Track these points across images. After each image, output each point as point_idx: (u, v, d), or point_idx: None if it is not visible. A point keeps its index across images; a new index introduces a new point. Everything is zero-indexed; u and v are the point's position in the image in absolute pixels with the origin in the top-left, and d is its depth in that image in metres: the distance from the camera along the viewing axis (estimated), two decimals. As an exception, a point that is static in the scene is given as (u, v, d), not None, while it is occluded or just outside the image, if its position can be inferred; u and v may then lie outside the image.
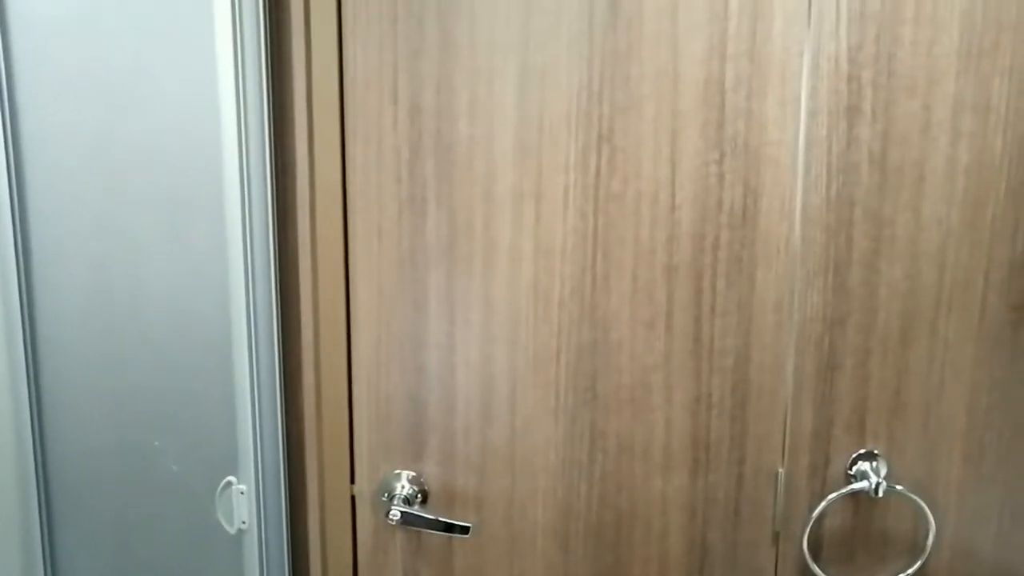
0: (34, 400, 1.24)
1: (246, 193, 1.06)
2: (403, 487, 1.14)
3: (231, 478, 1.14)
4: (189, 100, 1.08)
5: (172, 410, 1.18)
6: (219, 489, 1.15)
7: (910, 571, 1.10)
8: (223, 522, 1.15)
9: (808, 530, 1.08)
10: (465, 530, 1.10)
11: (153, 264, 1.15)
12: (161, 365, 1.18)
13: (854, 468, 1.08)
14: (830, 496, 1.07)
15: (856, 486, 1.06)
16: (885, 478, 1.07)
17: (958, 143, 0.99)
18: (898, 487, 1.07)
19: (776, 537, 1.11)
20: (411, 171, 1.06)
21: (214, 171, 1.08)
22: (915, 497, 1.07)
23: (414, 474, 1.14)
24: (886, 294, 1.04)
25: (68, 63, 1.13)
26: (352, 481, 1.16)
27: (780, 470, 1.09)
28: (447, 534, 1.14)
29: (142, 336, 1.18)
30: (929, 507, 1.07)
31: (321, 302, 1.09)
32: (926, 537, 1.09)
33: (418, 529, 1.15)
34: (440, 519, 1.10)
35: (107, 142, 1.13)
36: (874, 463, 1.08)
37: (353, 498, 1.17)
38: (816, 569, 1.09)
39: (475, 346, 1.09)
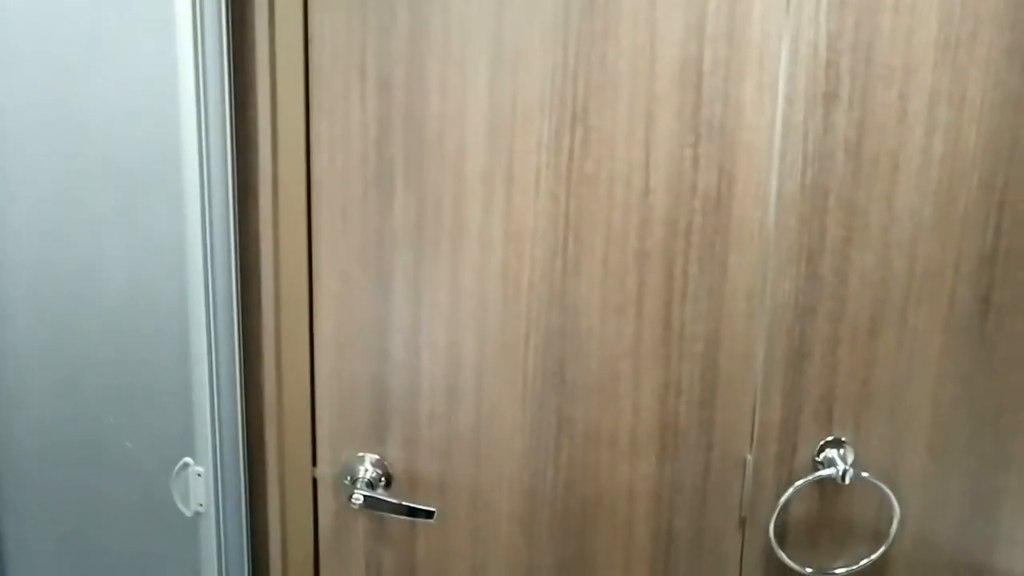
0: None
1: (205, 168, 1.02)
2: (366, 471, 1.12)
3: (187, 459, 1.11)
4: (146, 70, 1.04)
5: (126, 388, 1.15)
6: (175, 471, 1.12)
7: (873, 557, 1.11)
8: (179, 504, 1.12)
9: (775, 516, 1.08)
10: (429, 515, 1.08)
11: (108, 239, 1.11)
12: (115, 341, 1.14)
13: (821, 455, 1.08)
14: (797, 483, 1.07)
15: (823, 473, 1.06)
16: (852, 465, 1.07)
17: (933, 134, 0.99)
18: (864, 474, 1.07)
19: (743, 523, 1.12)
20: (379, 149, 1.02)
21: (172, 145, 1.04)
22: (881, 484, 1.07)
23: (377, 457, 1.12)
24: (857, 283, 1.03)
25: (20, 32, 1.08)
26: (314, 464, 1.14)
27: (748, 457, 1.09)
28: (411, 519, 1.13)
29: (96, 311, 1.14)
30: (894, 494, 1.08)
31: (283, 282, 1.06)
32: (890, 524, 1.10)
33: (381, 513, 1.13)
34: (404, 503, 1.08)
35: (62, 114, 1.09)
36: (841, 451, 1.08)
37: (315, 481, 1.14)
38: (782, 555, 1.09)
39: (441, 329, 1.07)
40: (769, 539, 1.10)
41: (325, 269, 1.07)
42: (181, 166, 1.03)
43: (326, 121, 1.02)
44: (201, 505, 1.11)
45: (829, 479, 1.08)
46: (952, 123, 0.98)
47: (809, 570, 1.11)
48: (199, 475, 1.10)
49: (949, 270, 1.03)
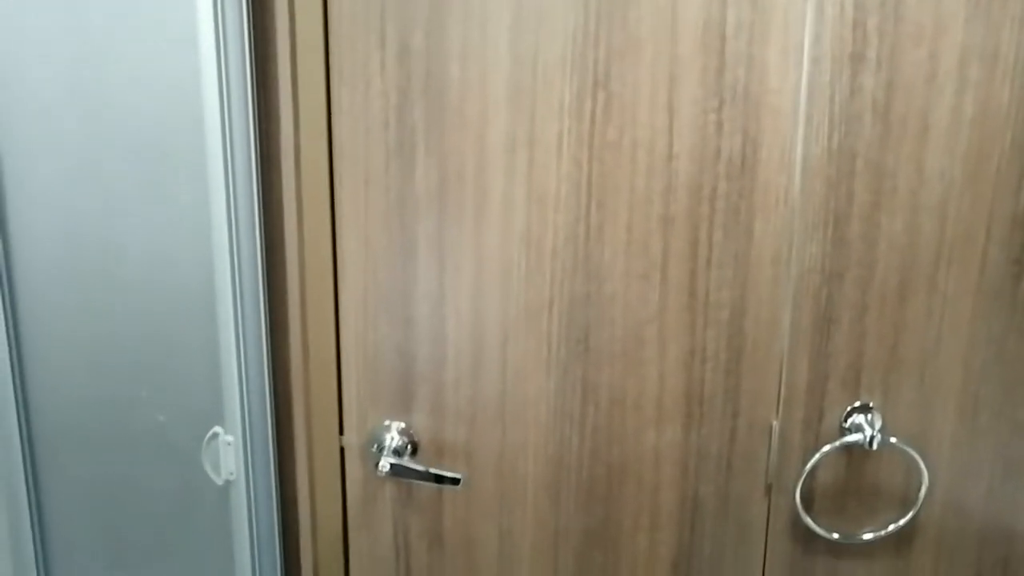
0: (14, 351, 1.22)
1: (228, 138, 1.02)
2: (392, 438, 1.13)
3: (217, 429, 1.13)
4: (167, 41, 1.04)
5: (155, 360, 1.16)
6: (205, 440, 1.14)
7: (901, 523, 1.10)
8: (210, 473, 1.14)
9: (801, 483, 1.08)
10: (456, 481, 1.09)
11: (133, 212, 1.12)
12: (142, 314, 1.15)
13: (848, 421, 1.07)
14: (824, 449, 1.06)
15: (850, 438, 1.06)
16: (879, 431, 1.06)
17: (964, 93, 0.97)
18: (892, 440, 1.06)
19: (769, 490, 1.11)
20: (399, 116, 1.02)
21: (195, 116, 1.04)
22: (909, 450, 1.06)
23: (403, 425, 1.13)
24: (885, 247, 1.02)
25: (42, 7, 1.08)
26: (341, 432, 1.15)
27: (774, 423, 1.08)
28: (437, 485, 1.14)
29: (122, 285, 1.15)
30: (922, 460, 1.07)
31: (307, 251, 1.06)
32: (918, 490, 1.09)
33: (408, 480, 1.14)
34: (430, 470, 1.09)
35: (83, 87, 1.09)
36: (869, 416, 1.07)
37: (342, 449, 1.16)
38: (808, 520, 1.09)
39: (465, 296, 1.07)
40: (795, 505, 1.09)
41: (349, 237, 1.07)
42: (204, 137, 1.04)
43: (347, 89, 1.02)
44: (231, 473, 1.12)
45: (856, 445, 1.08)
46: (983, 81, 0.96)
47: (836, 536, 1.11)
48: (229, 444, 1.12)
49: (980, 233, 1.01)
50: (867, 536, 1.11)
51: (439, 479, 1.09)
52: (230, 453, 1.12)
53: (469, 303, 1.07)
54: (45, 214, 1.16)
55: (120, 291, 1.15)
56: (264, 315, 1.10)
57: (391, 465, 1.09)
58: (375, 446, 1.14)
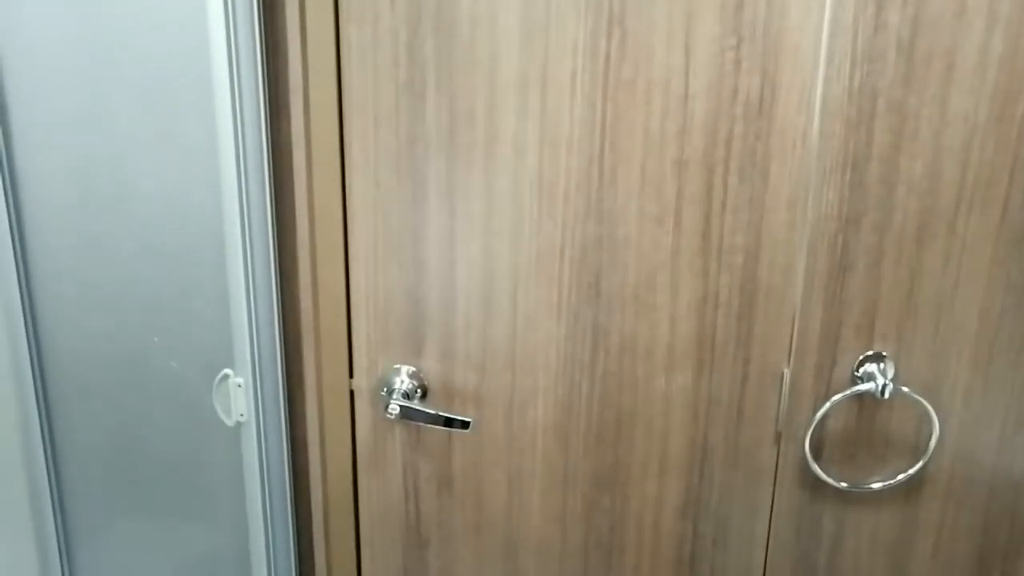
0: (27, 301, 1.21)
1: (235, 79, 1.01)
2: (402, 382, 1.13)
3: (228, 371, 1.13)
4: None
5: (166, 304, 1.16)
6: (216, 382, 1.14)
7: (911, 471, 1.10)
8: (221, 415, 1.15)
9: (811, 431, 1.07)
10: (465, 425, 1.09)
11: (141, 155, 1.10)
12: (153, 258, 1.15)
13: (861, 370, 1.06)
14: (835, 397, 1.06)
15: (862, 387, 1.05)
16: (891, 380, 1.05)
17: (993, 30, 0.93)
18: (904, 389, 1.05)
19: (778, 437, 1.11)
20: (410, 54, 1.00)
21: (202, 57, 1.02)
22: (920, 399, 1.05)
23: (413, 369, 1.13)
24: (905, 192, 0.99)
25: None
26: (351, 375, 1.15)
27: (785, 371, 1.08)
28: (447, 429, 1.14)
29: (132, 229, 1.14)
30: (934, 409, 1.06)
31: (316, 192, 1.05)
32: (928, 439, 1.08)
33: (417, 424, 1.14)
34: (440, 414, 1.09)
35: (90, 27, 1.07)
36: (881, 365, 1.06)
37: (352, 392, 1.16)
38: (817, 469, 1.09)
39: (476, 240, 1.06)
40: (805, 453, 1.09)
41: (358, 179, 1.06)
42: (211, 78, 1.02)
43: (355, 26, 1.00)
44: (242, 415, 1.13)
45: (868, 394, 1.07)
46: (1015, 17, 0.93)
47: (844, 484, 1.11)
48: (239, 386, 1.12)
49: (1003, 177, 0.98)
50: (876, 485, 1.11)
51: (449, 422, 1.10)
52: (240, 395, 1.12)
53: (480, 246, 1.06)
54: (53, 157, 1.14)
55: (130, 235, 1.15)
56: (273, 258, 1.10)
57: (401, 408, 1.09)
58: (385, 389, 1.14)
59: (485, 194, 1.04)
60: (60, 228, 1.17)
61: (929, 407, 1.06)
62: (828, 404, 1.06)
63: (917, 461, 1.10)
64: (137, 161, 1.11)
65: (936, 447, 1.09)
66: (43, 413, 1.27)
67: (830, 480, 1.10)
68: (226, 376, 1.13)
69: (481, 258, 1.07)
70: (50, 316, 1.22)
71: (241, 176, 1.04)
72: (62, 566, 1.34)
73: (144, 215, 1.13)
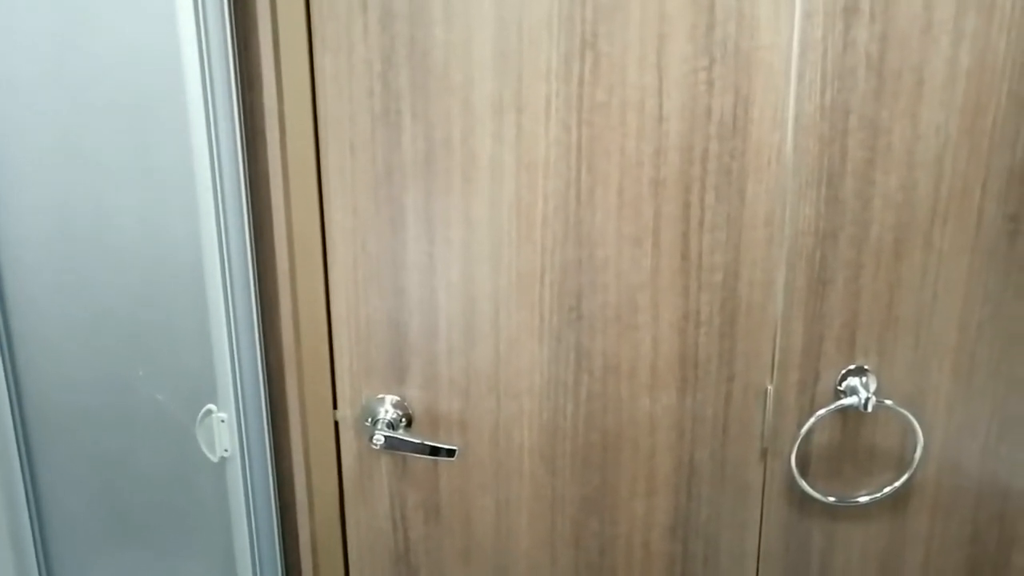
0: (4, 335, 1.20)
1: (210, 108, 1.00)
2: (386, 411, 1.12)
3: (211, 406, 1.12)
4: (147, 10, 1.01)
5: (146, 338, 1.15)
6: (199, 417, 1.13)
7: (896, 484, 1.10)
8: (205, 450, 1.13)
9: (796, 446, 1.07)
10: (451, 453, 1.09)
11: (119, 190, 1.10)
12: (133, 292, 1.14)
13: (843, 384, 1.07)
14: (819, 412, 1.06)
15: (845, 401, 1.05)
16: (874, 393, 1.06)
17: (960, 44, 0.95)
18: (887, 402, 1.06)
19: (764, 454, 1.11)
20: (384, 82, 1.00)
21: (176, 89, 1.02)
22: (904, 411, 1.06)
23: (397, 398, 1.12)
24: (880, 205, 1.00)
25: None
26: (335, 406, 1.14)
27: (769, 387, 1.08)
28: (433, 458, 1.13)
29: (111, 264, 1.13)
30: (918, 421, 1.07)
31: (295, 221, 1.05)
32: (914, 451, 1.08)
33: (403, 453, 1.13)
34: (425, 443, 1.09)
35: (64, 58, 1.07)
36: (864, 379, 1.06)
37: (336, 424, 1.15)
38: (804, 484, 1.09)
39: (456, 266, 1.06)
40: (791, 469, 1.09)
41: (336, 207, 1.06)
42: (187, 110, 1.02)
43: (330, 56, 1.00)
44: (226, 450, 1.12)
45: (852, 408, 1.07)
46: (980, 32, 0.94)
47: (831, 499, 1.11)
48: (223, 421, 1.11)
49: (976, 188, 1.00)
50: (863, 498, 1.11)
51: (434, 451, 1.09)
52: (224, 430, 1.11)
53: (460, 273, 1.06)
54: (30, 191, 1.14)
55: (108, 267, 1.14)
56: (254, 289, 1.09)
57: (386, 438, 1.08)
58: (369, 419, 1.13)
59: (463, 219, 1.04)
60: (38, 260, 1.16)
61: (913, 419, 1.06)
62: (812, 419, 1.06)
63: (903, 473, 1.10)
64: (115, 194, 1.10)
65: (921, 458, 1.10)
66: (22, 447, 1.25)
67: (817, 495, 1.10)
68: (209, 411, 1.12)
69: (461, 284, 1.07)
70: (28, 350, 1.21)
71: (219, 208, 1.04)
72: (45, 607, 1.32)
73: (123, 247, 1.12)
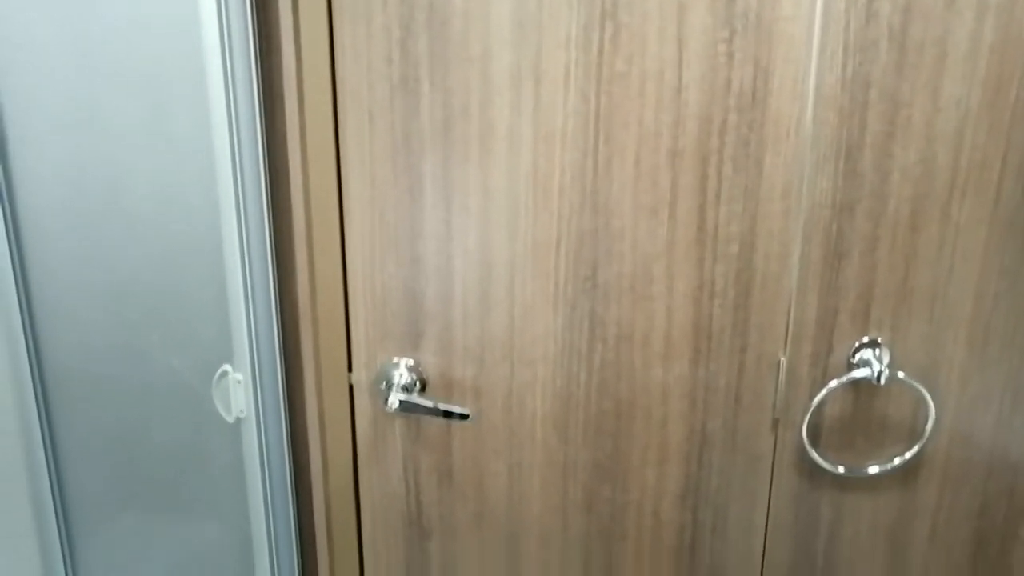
0: (24, 301, 1.22)
1: (229, 75, 1.01)
2: (401, 375, 1.13)
3: (227, 367, 1.13)
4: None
5: (165, 302, 1.16)
6: (215, 378, 1.14)
7: (907, 456, 1.11)
8: (221, 411, 1.15)
9: (808, 417, 1.08)
10: (464, 417, 1.10)
11: (137, 156, 1.10)
12: (150, 255, 1.15)
13: (856, 356, 1.07)
14: (831, 384, 1.06)
15: (858, 373, 1.06)
16: (887, 366, 1.06)
17: (984, 17, 0.94)
18: (900, 374, 1.06)
19: (776, 424, 1.12)
20: (403, 50, 1.00)
21: (195, 56, 1.02)
22: (916, 384, 1.06)
23: (412, 362, 1.13)
24: (898, 179, 1.00)
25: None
26: (349, 369, 1.16)
27: (782, 358, 1.08)
28: (446, 421, 1.15)
29: (128, 227, 1.14)
30: (930, 394, 1.07)
31: (312, 187, 1.05)
32: (925, 423, 1.09)
33: (417, 417, 1.15)
34: (439, 406, 1.10)
35: (82, 23, 1.07)
36: (877, 351, 1.07)
37: (351, 386, 1.16)
38: (814, 455, 1.10)
39: (472, 234, 1.06)
40: (802, 439, 1.10)
41: (354, 175, 1.06)
42: (206, 77, 1.02)
43: (349, 23, 1.00)
44: (242, 411, 1.13)
45: (864, 380, 1.08)
46: (1005, 5, 0.93)
47: (841, 470, 1.12)
48: (239, 382, 1.12)
49: (996, 162, 0.99)
50: (873, 470, 1.12)
51: (448, 415, 1.10)
52: (240, 391, 1.13)
53: (476, 239, 1.07)
54: (48, 157, 1.14)
55: (126, 233, 1.15)
56: (270, 254, 1.10)
57: (400, 401, 1.09)
58: (384, 383, 1.14)
59: (480, 188, 1.04)
60: (56, 227, 1.17)
61: (925, 392, 1.07)
62: (825, 391, 1.06)
63: (914, 445, 1.11)
64: (133, 160, 1.11)
65: (932, 431, 1.10)
66: (43, 412, 1.27)
67: (828, 466, 1.11)
68: (225, 372, 1.13)
69: (478, 251, 1.07)
70: (48, 316, 1.22)
71: (237, 173, 1.04)
72: (64, 565, 1.35)
73: (141, 213, 1.13)
